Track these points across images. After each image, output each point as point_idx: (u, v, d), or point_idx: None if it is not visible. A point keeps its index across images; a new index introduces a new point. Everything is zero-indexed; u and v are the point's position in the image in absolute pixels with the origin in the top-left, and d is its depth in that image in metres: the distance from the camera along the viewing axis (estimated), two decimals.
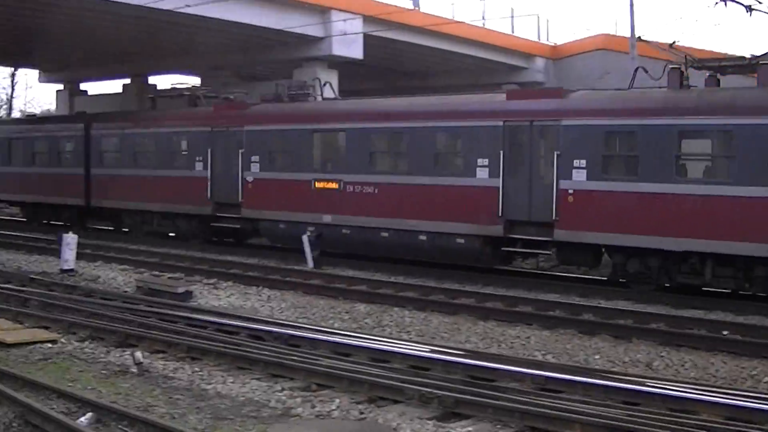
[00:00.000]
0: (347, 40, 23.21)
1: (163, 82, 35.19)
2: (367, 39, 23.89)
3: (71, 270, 15.78)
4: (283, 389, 7.97)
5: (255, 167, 18.15)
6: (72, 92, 34.33)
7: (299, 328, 10.61)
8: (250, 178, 18.01)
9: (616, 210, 12.43)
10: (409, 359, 8.87)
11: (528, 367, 8.23)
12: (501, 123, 13.84)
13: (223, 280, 15.22)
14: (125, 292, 14.00)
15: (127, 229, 22.39)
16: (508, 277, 15.18)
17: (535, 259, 14.59)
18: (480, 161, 14.03)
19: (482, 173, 13.98)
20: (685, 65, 12.50)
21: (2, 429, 6.67)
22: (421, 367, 8.55)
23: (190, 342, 9.52)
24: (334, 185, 15.69)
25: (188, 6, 19.51)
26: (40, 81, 36.31)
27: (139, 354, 8.90)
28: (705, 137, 12.11)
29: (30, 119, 30.74)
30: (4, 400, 7.17)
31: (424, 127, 14.56)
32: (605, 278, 14.25)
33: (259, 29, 22.22)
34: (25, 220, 26.11)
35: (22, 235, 21.67)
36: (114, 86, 36.88)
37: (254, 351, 9.18)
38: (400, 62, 28.48)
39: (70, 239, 16.02)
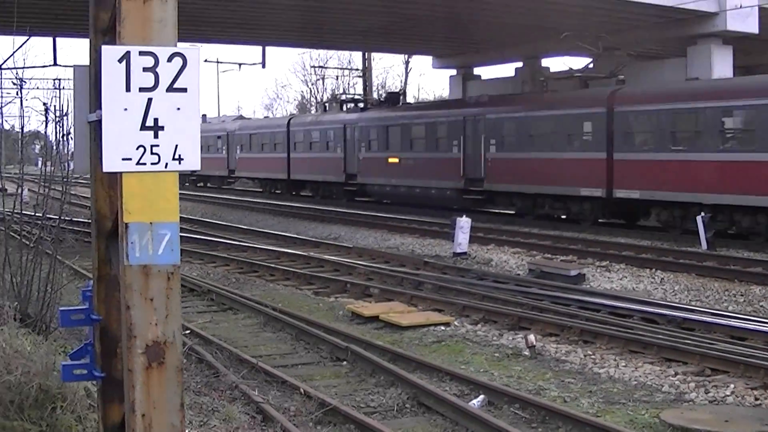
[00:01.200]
0: (742, 14, 24.49)
1: (555, 64, 38.39)
2: (763, 12, 24.64)
3: (464, 253, 18.61)
4: (676, 374, 8.85)
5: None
6: (465, 77, 38.94)
7: (693, 311, 11.59)
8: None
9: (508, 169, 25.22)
10: None
11: None
12: (462, 118, 27.66)
13: (616, 262, 16.81)
14: (517, 275, 16.16)
15: (514, 212, 25.84)
16: None
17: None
18: (454, 142, 27.80)
19: (455, 150, 27.67)
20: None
21: (396, 409, 8.05)
22: None
23: (582, 325, 10.81)
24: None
25: None
26: (433, 67, 42.20)
27: (532, 337, 10.21)
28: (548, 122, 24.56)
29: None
30: (398, 381, 8.65)
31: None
32: None
33: (651, 7, 23.99)
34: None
35: (416, 219, 25.82)
36: (505, 70, 41.34)
37: (647, 334, 10.22)
38: None
39: (464, 223, 18.77)
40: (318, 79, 67.05)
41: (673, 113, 20.57)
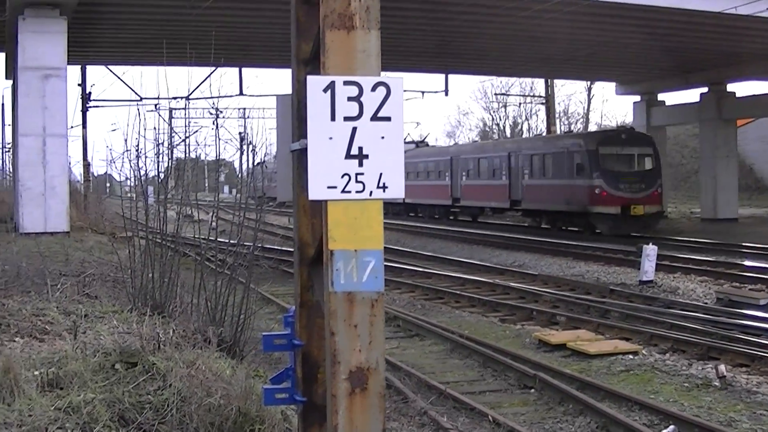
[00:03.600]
0: None
1: (741, 89, 36.52)
2: None
3: (650, 281, 17.83)
4: None
5: None
6: (649, 103, 38.13)
7: None
8: None
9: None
10: None
11: None
12: (449, 158, 40.26)
13: None
14: (705, 303, 15.39)
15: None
16: None
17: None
18: (446, 174, 40.11)
19: (446, 179, 40.02)
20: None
21: None
22: None
23: None
24: None
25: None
26: (617, 93, 41.07)
27: (722, 367, 9.76)
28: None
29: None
30: (587, 409, 8.51)
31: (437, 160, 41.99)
32: None
33: None
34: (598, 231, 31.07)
35: (600, 246, 25.07)
36: (690, 96, 39.80)
37: None
38: None
39: (650, 250, 18.02)
40: (501, 106, 66.75)
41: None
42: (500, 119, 70.66)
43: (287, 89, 4.19)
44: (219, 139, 9.46)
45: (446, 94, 38.05)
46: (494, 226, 36.45)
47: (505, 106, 66.96)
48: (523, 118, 67.87)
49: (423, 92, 39.02)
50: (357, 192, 3.24)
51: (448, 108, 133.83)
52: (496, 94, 62.37)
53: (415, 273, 20.87)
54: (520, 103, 61.11)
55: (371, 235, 3.25)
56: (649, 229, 28.35)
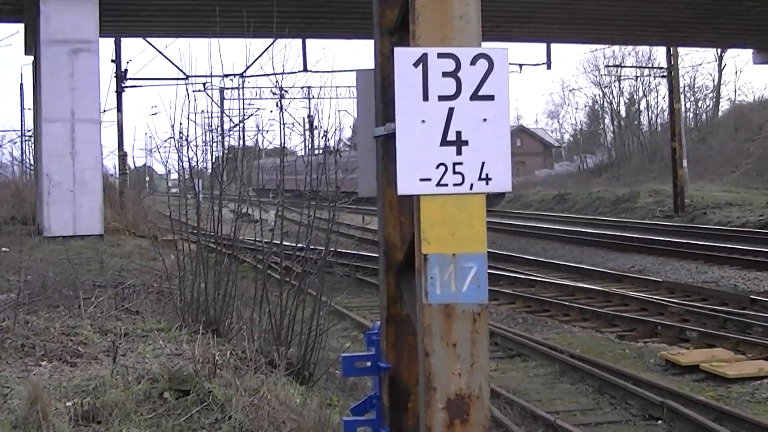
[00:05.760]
0: None
1: None
2: None
3: None
4: None
5: None
6: None
7: None
8: None
9: None
10: None
11: None
12: None
13: None
14: None
15: None
16: None
17: None
18: None
19: None
20: None
21: None
22: None
23: None
24: None
25: None
26: (754, 63, 39.99)
27: None
28: None
29: None
30: None
31: None
32: None
33: None
34: None
35: (738, 247, 24.31)
36: None
37: None
38: None
39: None
40: (614, 81, 65.81)
41: None
42: (613, 96, 69.67)
43: (363, 64, 4.26)
44: (283, 124, 9.51)
45: (548, 67, 37.31)
46: (609, 223, 36.03)
47: (619, 81, 65.91)
48: (641, 93, 66.76)
49: (521, 65, 38.63)
50: (455, 185, 3.29)
51: (550, 83, 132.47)
52: (607, 66, 61.42)
53: (516, 280, 20.79)
54: (636, 76, 60.05)
55: (472, 236, 3.29)
56: None
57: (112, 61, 35.27)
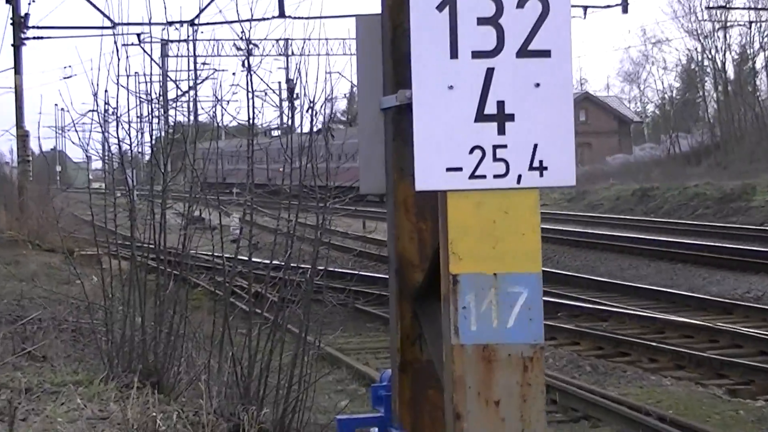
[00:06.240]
0: None
1: None
2: None
3: None
4: None
5: None
6: None
7: None
8: None
9: None
10: None
11: None
12: None
13: None
14: None
15: None
16: None
17: None
18: None
19: None
20: None
21: None
22: None
23: None
24: None
25: None
26: None
27: None
28: None
29: None
30: None
31: None
32: None
33: None
34: None
35: None
36: None
37: None
38: None
39: None
40: (718, 28, 65.73)
41: None
42: (717, 51, 69.53)
43: (365, 8, 4.27)
44: (251, 92, 9.47)
45: (624, 11, 37.25)
46: (713, 231, 35.92)
47: (724, 29, 65.85)
48: (756, 46, 66.70)
49: (585, 8, 38.61)
50: (496, 177, 3.31)
51: (626, 34, 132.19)
52: (708, 7, 61.19)
53: (581, 312, 20.80)
54: (751, 22, 60.00)
55: (521, 249, 3.31)
56: None
57: (7, 1, 35.30)
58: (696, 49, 72.88)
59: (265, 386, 8.71)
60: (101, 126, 11.03)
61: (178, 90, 14.03)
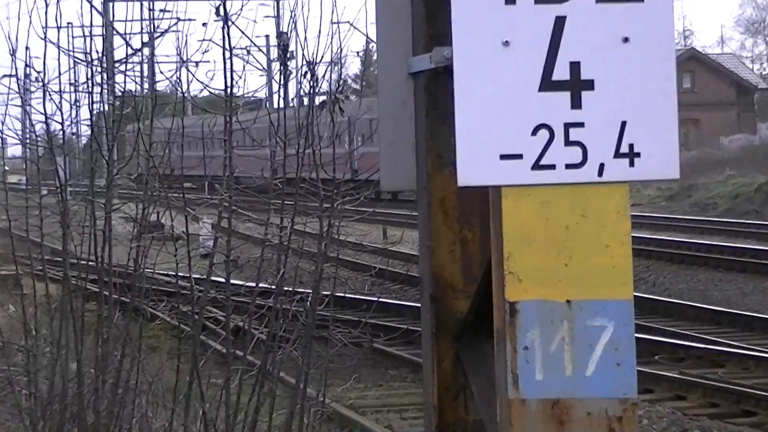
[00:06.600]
0: None
1: None
2: None
3: None
4: None
5: None
6: None
7: None
8: None
9: None
10: None
11: None
12: None
13: None
14: None
15: None
16: None
17: None
18: None
19: None
20: None
21: None
22: None
23: None
24: None
25: None
26: None
27: None
28: None
29: None
30: None
31: None
32: None
33: None
34: None
35: None
36: None
37: None
38: None
39: None
40: None
41: None
42: None
43: None
44: (229, 49, 9.50)
45: None
46: None
47: None
48: None
49: None
50: (569, 167, 3.34)
51: None
52: None
53: (687, 353, 20.84)
54: None
55: (605, 267, 3.33)
56: None
57: None
58: None
59: None
60: (21, 97, 11.06)
61: (129, 48, 14.10)
